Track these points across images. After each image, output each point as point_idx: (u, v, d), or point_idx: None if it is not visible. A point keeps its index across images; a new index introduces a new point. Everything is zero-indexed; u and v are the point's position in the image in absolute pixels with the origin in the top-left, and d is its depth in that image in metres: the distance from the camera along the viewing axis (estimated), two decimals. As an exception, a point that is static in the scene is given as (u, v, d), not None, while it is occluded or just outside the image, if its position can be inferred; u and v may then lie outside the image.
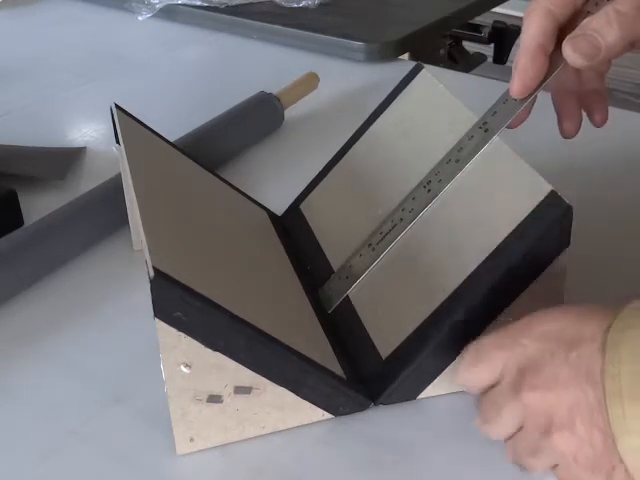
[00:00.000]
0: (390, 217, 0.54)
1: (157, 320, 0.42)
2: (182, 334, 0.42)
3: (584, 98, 0.55)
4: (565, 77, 0.53)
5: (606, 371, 0.37)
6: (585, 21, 0.46)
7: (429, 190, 0.52)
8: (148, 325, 0.45)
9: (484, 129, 0.51)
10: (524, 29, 0.48)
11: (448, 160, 0.52)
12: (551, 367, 0.39)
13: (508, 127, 0.51)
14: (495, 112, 0.52)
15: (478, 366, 0.43)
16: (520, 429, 0.42)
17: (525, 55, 0.47)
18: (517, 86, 0.48)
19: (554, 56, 0.48)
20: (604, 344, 0.38)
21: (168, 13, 1.12)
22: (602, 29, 0.45)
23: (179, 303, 0.41)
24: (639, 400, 0.36)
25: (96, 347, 0.55)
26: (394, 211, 0.54)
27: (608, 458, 0.38)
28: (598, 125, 0.55)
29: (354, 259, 0.54)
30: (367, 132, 0.62)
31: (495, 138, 0.51)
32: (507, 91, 0.51)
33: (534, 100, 0.50)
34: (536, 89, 0.49)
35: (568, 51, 0.46)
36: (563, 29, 0.48)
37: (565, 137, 0.54)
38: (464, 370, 0.44)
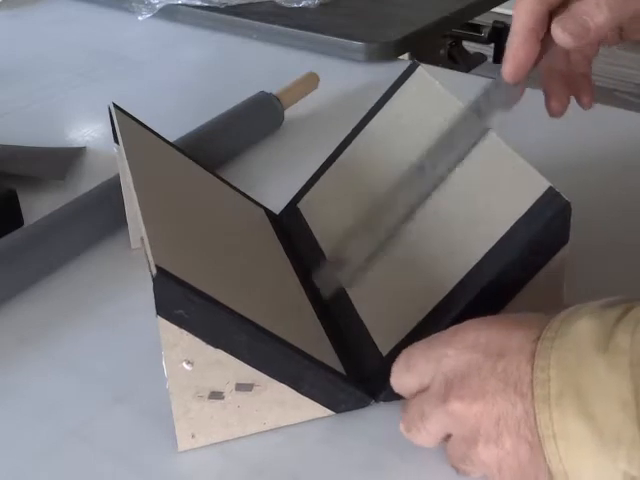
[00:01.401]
0: (383, 203, 0.54)
1: (159, 318, 0.42)
2: (184, 331, 0.43)
3: (572, 81, 0.55)
4: (554, 59, 0.54)
5: (535, 378, 0.37)
6: (575, 4, 0.46)
7: (423, 175, 0.52)
8: (148, 324, 0.45)
9: (477, 113, 0.52)
10: (515, 13, 0.48)
11: (441, 144, 0.52)
12: (478, 379, 0.39)
13: (505, 110, 0.51)
14: (488, 96, 0.52)
15: (405, 375, 0.44)
16: (449, 436, 0.42)
17: (517, 39, 0.48)
18: (509, 70, 0.49)
19: (545, 39, 0.49)
20: (533, 354, 0.38)
21: (168, 13, 1.12)
22: (591, 11, 0.45)
23: (181, 301, 0.42)
24: (565, 405, 0.36)
25: (96, 347, 0.55)
26: (387, 196, 0.54)
27: (533, 469, 0.38)
28: (585, 107, 0.56)
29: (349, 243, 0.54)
30: (364, 130, 0.62)
31: (490, 128, 0.51)
32: (499, 75, 0.51)
33: (526, 80, 0.51)
34: (528, 72, 0.49)
35: (557, 31, 0.46)
36: (554, 13, 0.48)
37: (552, 115, 0.55)
38: (393, 377, 0.44)
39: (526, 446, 0.38)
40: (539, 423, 0.37)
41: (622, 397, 0.35)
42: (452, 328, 0.43)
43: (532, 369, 0.38)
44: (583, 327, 0.38)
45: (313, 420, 0.48)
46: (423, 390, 0.43)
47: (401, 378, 0.44)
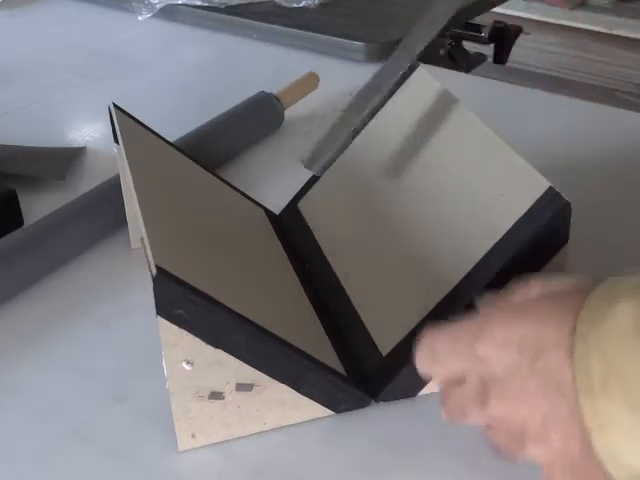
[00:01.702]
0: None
1: (159, 318, 0.42)
2: (184, 331, 0.43)
3: None
4: None
5: (576, 365, 0.36)
6: None
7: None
8: (148, 324, 0.45)
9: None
10: None
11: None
12: (517, 380, 0.38)
13: None
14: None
15: (433, 368, 0.42)
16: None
17: None
18: None
19: None
20: (571, 348, 0.36)
21: (168, 13, 1.12)
22: None
23: (181, 301, 0.42)
24: (611, 395, 0.35)
25: (96, 346, 0.55)
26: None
27: (586, 465, 0.37)
28: None
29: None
30: (364, 130, 0.62)
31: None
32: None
33: None
34: None
35: None
36: None
37: None
38: (419, 366, 0.43)
39: (576, 443, 0.36)
40: (584, 416, 0.35)
41: None
42: (478, 319, 0.41)
43: (572, 368, 0.36)
44: (622, 311, 0.35)
45: (313, 420, 0.48)
46: (456, 381, 0.41)
47: (428, 368, 0.42)
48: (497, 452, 0.41)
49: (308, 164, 0.54)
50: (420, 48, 0.54)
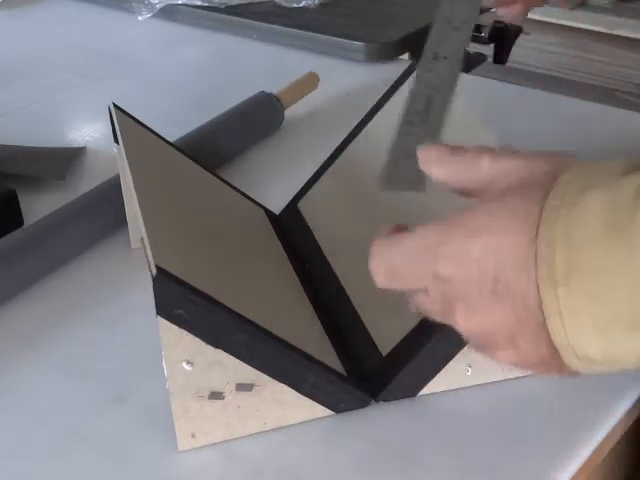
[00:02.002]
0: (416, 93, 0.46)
1: (159, 318, 0.42)
2: (184, 331, 0.43)
3: None
4: None
5: (540, 251, 0.34)
6: None
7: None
8: (148, 324, 0.45)
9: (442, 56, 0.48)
10: None
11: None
12: (480, 301, 0.36)
13: None
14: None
15: (392, 284, 0.40)
16: None
17: None
18: None
19: None
20: (533, 259, 0.34)
21: (168, 13, 1.11)
22: None
23: (181, 301, 0.42)
24: (573, 285, 0.33)
25: (96, 347, 0.55)
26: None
27: (557, 362, 0.36)
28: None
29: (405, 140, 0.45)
30: (363, 130, 0.62)
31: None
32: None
33: None
34: None
35: None
36: None
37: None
38: (377, 283, 0.40)
39: (547, 349, 0.35)
40: (543, 301, 0.34)
41: None
42: (433, 236, 0.38)
43: (536, 260, 0.34)
44: (592, 201, 0.34)
45: (313, 420, 0.48)
46: (418, 291, 0.39)
47: (387, 285, 0.40)
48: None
49: (386, 185, 0.45)
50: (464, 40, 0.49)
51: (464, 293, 0.37)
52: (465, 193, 0.39)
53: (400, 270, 0.39)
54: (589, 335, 0.34)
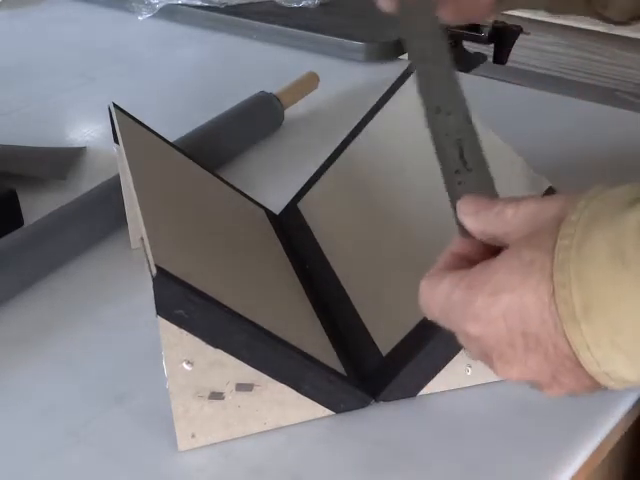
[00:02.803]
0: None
1: (159, 318, 0.42)
2: (184, 331, 0.43)
3: None
4: None
5: (557, 295, 0.36)
6: None
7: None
8: (148, 324, 0.45)
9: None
10: None
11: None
12: (515, 355, 0.38)
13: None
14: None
15: (442, 323, 0.41)
16: None
17: None
18: None
19: None
20: (555, 313, 0.36)
21: (168, 13, 1.12)
22: None
23: (181, 301, 0.42)
24: (593, 317, 0.35)
25: (96, 347, 0.55)
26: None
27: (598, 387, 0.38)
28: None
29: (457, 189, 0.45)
30: (363, 130, 0.62)
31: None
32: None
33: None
34: None
35: None
36: None
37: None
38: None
39: (588, 381, 0.37)
40: (570, 340, 0.36)
41: None
42: (460, 300, 0.39)
43: (556, 304, 0.36)
44: (601, 240, 0.35)
45: (313, 420, 0.48)
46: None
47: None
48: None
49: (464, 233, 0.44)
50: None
51: (497, 348, 0.39)
52: (494, 241, 0.41)
53: (441, 317, 0.41)
54: (619, 361, 0.36)
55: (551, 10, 0.66)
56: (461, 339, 0.41)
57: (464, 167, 0.44)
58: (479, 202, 0.42)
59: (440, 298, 0.41)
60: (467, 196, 0.42)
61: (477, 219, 0.42)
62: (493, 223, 0.41)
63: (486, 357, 0.40)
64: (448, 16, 0.58)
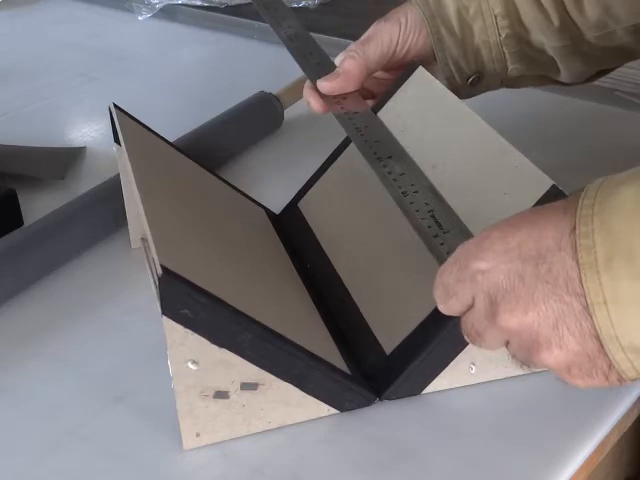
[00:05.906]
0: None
1: (164, 317, 0.42)
2: (189, 331, 0.42)
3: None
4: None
5: (580, 245, 0.35)
6: None
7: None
8: (148, 324, 0.45)
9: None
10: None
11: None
12: (523, 288, 0.37)
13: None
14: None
15: (449, 303, 0.41)
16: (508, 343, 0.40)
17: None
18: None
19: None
20: (574, 247, 0.36)
21: (168, 13, 1.12)
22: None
23: (186, 300, 0.42)
24: (615, 269, 0.35)
25: (96, 346, 0.55)
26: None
27: (604, 361, 0.37)
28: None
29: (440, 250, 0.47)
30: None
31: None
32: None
33: None
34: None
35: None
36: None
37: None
38: (439, 304, 0.42)
39: (592, 340, 0.36)
40: (587, 291, 0.35)
41: None
42: (474, 240, 0.40)
43: (578, 266, 0.35)
44: (627, 190, 0.35)
45: (314, 420, 0.48)
46: (469, 309, 0.41)
47: (446, 308, 0.42)
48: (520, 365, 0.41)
49: None
50: None
51: (506, 283, 0.38)
52: None
53: (451, 286, 0.40)
54: (634, 321, 0.34)
55: (508, 85, 0.66)
56: (466, 287, 0.39)
57: (441, 231, 0.46)
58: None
59: (452, 257, 0.41)
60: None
61: None
62: None
63: (491, 305, 0.38)
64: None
